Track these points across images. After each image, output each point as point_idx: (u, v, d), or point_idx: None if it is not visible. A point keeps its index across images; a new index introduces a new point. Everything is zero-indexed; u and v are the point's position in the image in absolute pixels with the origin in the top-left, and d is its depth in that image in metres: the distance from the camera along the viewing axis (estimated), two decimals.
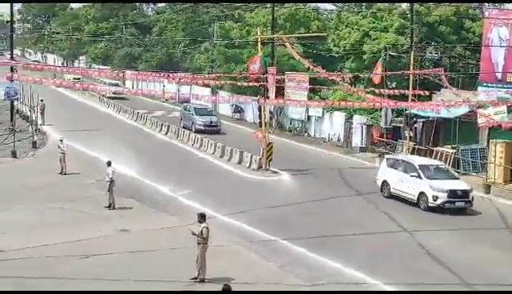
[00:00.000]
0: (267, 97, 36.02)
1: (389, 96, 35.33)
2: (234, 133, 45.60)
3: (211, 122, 45.87)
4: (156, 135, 44.92)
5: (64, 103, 59.06)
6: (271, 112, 46.59)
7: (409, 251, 20.61)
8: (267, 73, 35.94)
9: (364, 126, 40.88)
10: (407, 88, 36.47)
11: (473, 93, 35.35)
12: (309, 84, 44.81)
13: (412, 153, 35.67)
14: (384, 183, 28.26)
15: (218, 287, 13.39)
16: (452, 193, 25.79)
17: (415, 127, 37.61)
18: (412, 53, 37.70)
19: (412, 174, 26.80)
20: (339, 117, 43.51)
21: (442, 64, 42.66)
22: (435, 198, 25.68)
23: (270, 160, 32.96)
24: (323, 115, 45.38)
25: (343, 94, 42.12)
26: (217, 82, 34.88)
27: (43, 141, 39.19)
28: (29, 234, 20.59)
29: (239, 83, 35.96)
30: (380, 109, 38.18)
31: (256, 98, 37.07)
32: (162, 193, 27.46)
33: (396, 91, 34.63)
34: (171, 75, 34.36)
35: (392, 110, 38.15)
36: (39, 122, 43.37)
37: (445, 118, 34.53)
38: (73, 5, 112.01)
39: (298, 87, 45.91)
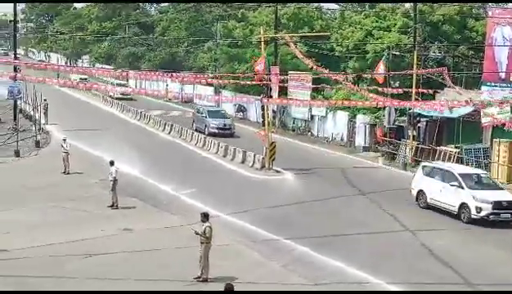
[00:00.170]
0: (271, 96, 36.01)
1: (393, 96, 35.31)
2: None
3: (225, 124, 44.53)
4: (159, 134, 44.92)
5: (67, 102, 59.02)
6: (274, 111, 46.56)
7: (417, 252, 20.47)
8: (270, 72, 35.94)
9: (367, 126, 40.84)
10: (410, 87, 36.41)
11: (476, 92, 35.32)
12: (312, 83, 44.83)
13: (416, 152, 35.63)
14: (420, 192, 26.39)
15: (221, 287, 13.35)
16: (497, 205, 23.90)
17: (419, 127, 37.53)
18: (415, 52, 37.68)
19: (452, 183, 24.95)
20: (343, 116, 43.48)
21: (446, 63, 42.63)
22: (479, 209, 23.84)
23: (273, 159, 32.91)
24: (326, 114, 45.36)
25: (347, 93, 42.10)
26: (221, 81, 34.84)
27: (47, 141, 39.09)
28: (32, 234, 20.55)
29: (242, 82, 35.92)
30: (384, 109, 38.13)
31: (259, 97, 37.05)
32: (165, 192, 27.39)
33: (400, 89, 34.58)
34: (174, 74, 34.34)
35: (396, 109, 38.10)
36: (42, 121, 43.31)
37: (448, 117, 34.47)
38: (76, 4, 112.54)
39: (302, 87, 45.94)
